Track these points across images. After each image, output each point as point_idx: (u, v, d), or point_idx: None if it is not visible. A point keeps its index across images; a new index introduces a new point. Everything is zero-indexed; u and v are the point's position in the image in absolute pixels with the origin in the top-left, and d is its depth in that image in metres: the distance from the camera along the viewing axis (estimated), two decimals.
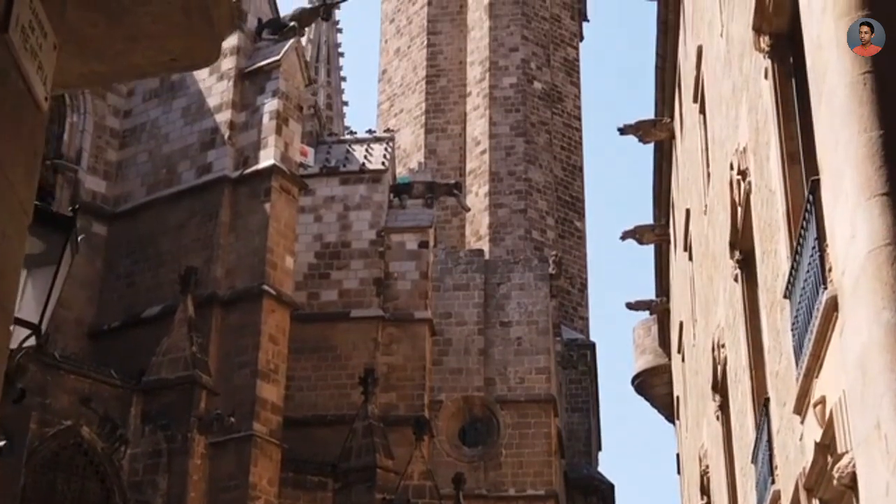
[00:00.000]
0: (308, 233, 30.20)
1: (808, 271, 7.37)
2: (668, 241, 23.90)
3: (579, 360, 41.37)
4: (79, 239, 4.90)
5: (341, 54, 57.74)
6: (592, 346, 42.71)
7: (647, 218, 24.69)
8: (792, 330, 8.11)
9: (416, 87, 47.93)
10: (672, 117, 20.89)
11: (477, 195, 43.84)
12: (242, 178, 24.65)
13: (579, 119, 48.37)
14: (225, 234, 24.21)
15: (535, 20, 47.14)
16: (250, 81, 25.51)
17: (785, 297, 8.34)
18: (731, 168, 11.38)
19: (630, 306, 27.15)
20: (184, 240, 24.58)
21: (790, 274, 8.03)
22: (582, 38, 51.34)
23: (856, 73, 6.20)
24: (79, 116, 26.09)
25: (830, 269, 6.74)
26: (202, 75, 25.89)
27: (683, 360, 22.19)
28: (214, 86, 25.69)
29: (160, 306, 23.82)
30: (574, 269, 44.90)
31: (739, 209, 11.15)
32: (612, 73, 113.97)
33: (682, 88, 18.76)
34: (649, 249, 25.95)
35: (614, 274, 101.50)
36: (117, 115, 26.79)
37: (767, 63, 9.15)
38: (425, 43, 48.14)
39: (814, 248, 7.14)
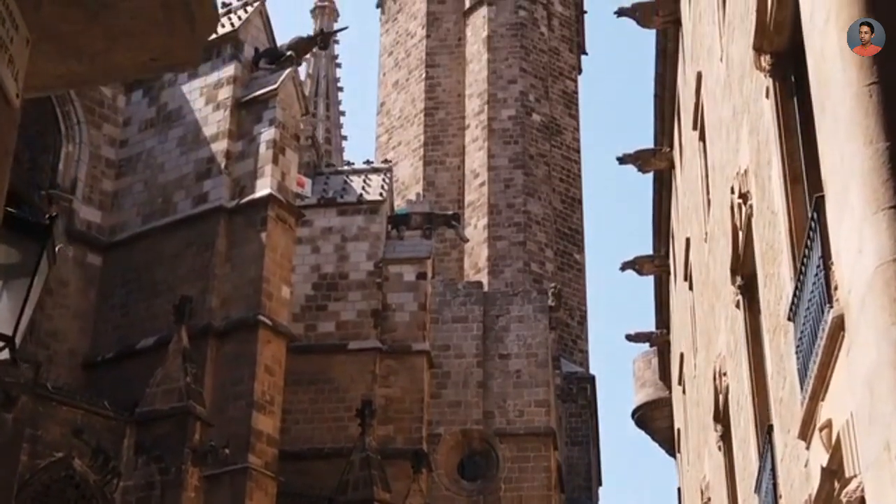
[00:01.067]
0: (305, 264, 30.08)
1: (812, 291, 7.21)
2: (668, 272, 23.79)
3: (579, 393, 41.11)
4: (56, 249, 4.73)
5: (340, 89, 57.87)
6: (592, 380, 42.48)
7: (647, 250, 24.58)
8: (796, 353, 7.95)
9: (415, 119, 47.94)
10: (671, 147, 20.84)
11: (476, 227, 43.72)
12: (238, 208, 24.54)
13: (578, 151, 48.35)
14: (221, 263, 24.07)
15: (534, 53, 47.20)
16: (247, 111, 25.45)
17: (789, 319, 8.19)
18: (732, 192, 11.26)
19: (630, 338, 27.01)
20: (179, 270, 24.43)
21: (794, 295, 7.88)
22: (581, 71, 51.41)
23: (861, 84, 6.07)
24: (74, 146, 26.02)
25: (836, 288, 6.59)
26: (199, 105, 25.88)
27: (684, 391, 22.03)
28: (211, 115, 25.64)
29: (155, 337, 23.63)
30: (573, 302, 44.71)
31: (741, 234, 11.02)
32: (611, 105, 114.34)
33: (682, 117, 18.71)
34: (649, 281, 25.83)
35: (614, 306, 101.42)
36: (113, 144, 26.72)
37: (769, 82, 9.05)
38: (424, 75, 48.20)
39: (818, 266, 6.99)
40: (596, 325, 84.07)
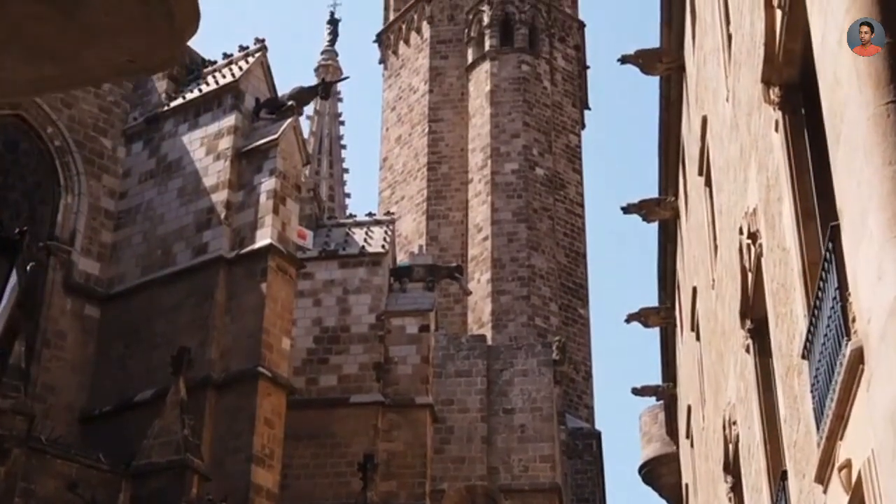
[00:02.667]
0: (307, 317, 29.82)
1: (828, 326, 6.97)
2: (674, 324, 23.61)
3: (585, 449, 40.60)
4: (28, 267, 4.45)
5: (343, 146, 58.04)
6: (598, 436, 42.00)
7: (652, 304, 24.48)
8: (812, 392, 7.68)
9: (418, 174, 47.87)
10: (676, 196, 20.70)
11: (479, 282, 43.45)
12: (238, 259, 24.28)
13: (582, 206, 48.22)
14: (220, 315, 23.79)
15: (537, 107, 47.20)
16: (247, 161, 25.29)
17: (803, 357, 7.94)
18: (741, 233, 11.05)
19: (636, 392, 26.82)
20: (178, 322, 24.14)
21: (808, 332, 7.64)
22: (584, 126, 51.42)
23: (878, 105, 5.90)
24: (73, 198, 25.87)
25: (854, 319, 6.35)
26: (199, 155, 25.75)
27: (692, 445, 21.77)
28: (211, 165, 25.49)
29: (153, 390, 23.27)
30: (578, 357, 44.33)
31: (750, 275, 10.80)
32: (614, 159, 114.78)
33: (687, 164, 18.57)
34: (655, 334, 25.65)
35: (619, 360, 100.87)
36: (112, 196, 26.55)
37: (778, 115, 8.86)
38: (427, 130, 48.16)
39: (834, 299, 6.75)
40: (601, 379, 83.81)
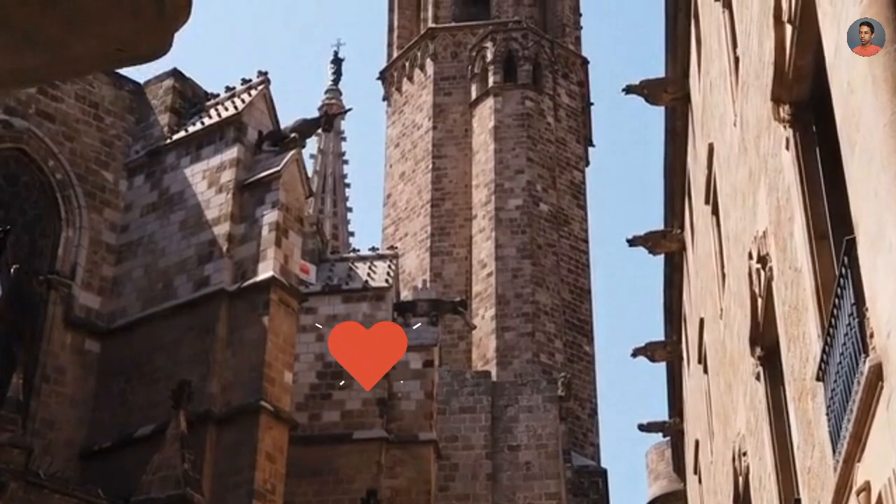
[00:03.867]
0: (310, 352, 29.59)
1: (844, 344, 6.77)
2: (681, 358, 23.40)
3: (591, 487, 40.18)
4: (12, 270, 4.25)
5: (347, 185, 58.04)
6: (604, 473, 41.61)
7: (658, 338, 24.30)
8: (827, 414, 7.47)
9: (422, 210, 47.72)
10: (682, 228, 20.55)
11: (483, 318, 43.21)
12: (240, 292, 24.06)
13: (586, 242, 48.05)
14: (221, 348, 23.54)
15: (541, 143, 47.13)
16: (250, 193, 25.13)
17: (818, 379, 7.72)
18: (750, 258, 10.86)
19: (642, 428, 26.57)
20: (179, 355, 23.89)
21: (823, 352, 7.43)
22: (588, 163, 51.33)
23: (895, 111, 5.71)
24: (74, 231, 25.70)
25: (872, 335, 6.15)
26: (201, 188, 25.63)
27: (700, 481, 21.53)
28: (213, 198, 25.33)
29: (154, 425, 22.99)
30: (584, 394, 44.00)
31: (759, 301, 10.61)
32: (618, 195, 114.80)
33: (693, 195, 18.46)
34: (661, 370, 25.46)
35: (625, 396, 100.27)
36: (114, 229, 26.36)
37: (789, 133, 8.70)
38: (430, 166, 48.05)
39: (851, 315, 6.55)
40: (607, 416, 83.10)
